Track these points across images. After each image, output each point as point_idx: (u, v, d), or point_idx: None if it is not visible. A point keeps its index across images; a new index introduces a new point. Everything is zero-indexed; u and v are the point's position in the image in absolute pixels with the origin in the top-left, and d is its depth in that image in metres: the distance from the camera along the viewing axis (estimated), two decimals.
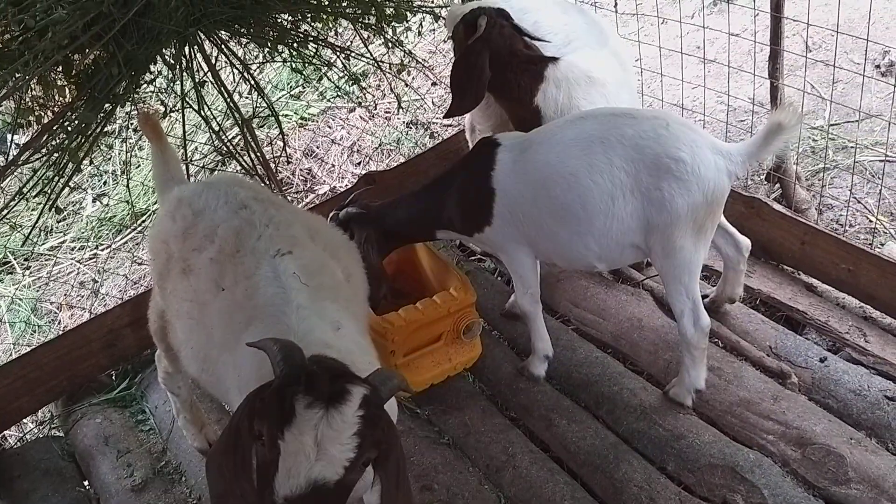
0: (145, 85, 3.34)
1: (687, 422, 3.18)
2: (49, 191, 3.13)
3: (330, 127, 5.92)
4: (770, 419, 3.11)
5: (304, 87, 5.97)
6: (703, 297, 3.68)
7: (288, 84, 6.12)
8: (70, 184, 3.29)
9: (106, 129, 3.27)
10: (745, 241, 3.39)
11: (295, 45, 3.57)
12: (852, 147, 4.22)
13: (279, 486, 1.71)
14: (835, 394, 3.21)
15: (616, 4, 4.51)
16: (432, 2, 4.17)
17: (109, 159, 5.56)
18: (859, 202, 4.08)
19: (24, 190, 3.15)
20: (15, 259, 5.16)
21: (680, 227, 2.89)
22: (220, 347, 2.32)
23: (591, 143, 2.95)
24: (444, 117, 3.48)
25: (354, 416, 1.75)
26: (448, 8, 4.02)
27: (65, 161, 3.08)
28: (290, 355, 1.83)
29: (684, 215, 2.86)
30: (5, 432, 3.81)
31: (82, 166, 3.23)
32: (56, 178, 3.11)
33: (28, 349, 3.95)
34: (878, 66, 4.84)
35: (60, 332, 4.50)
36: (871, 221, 3.98)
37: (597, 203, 2.94)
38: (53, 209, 3.18)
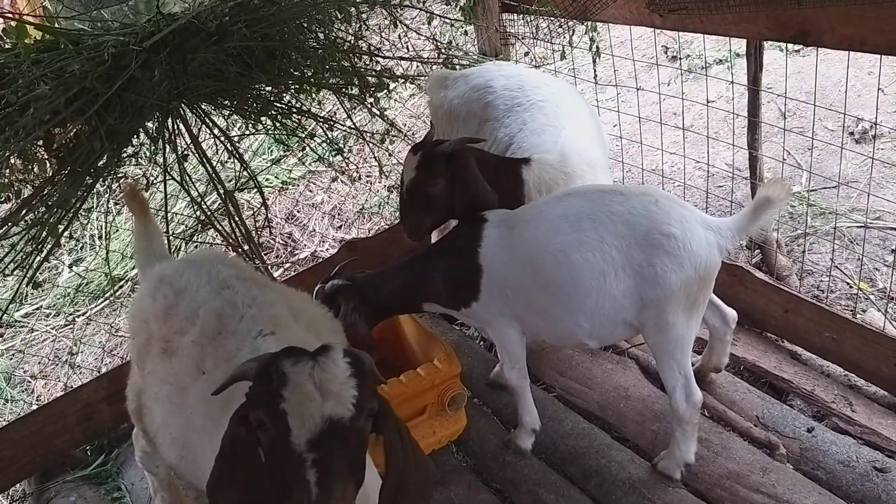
0: (127, 158, 3.32)
1: (676, 496, 3.13)
2: (27, 265, 3.08)
3: (311, 191, 5.92)
4: (760, 492, 3.07)
5: (285, 153, 5.99)
6: None
7: (269, 149, 6.14)
8: (48, 257, 3.24)
9: (86, 201, 3.22)
10: (732, 313, 3.39)
11: (278, 116, 3.58)
12: (830, 213, 4.27)
13: (297, 436, 1.72)
14: (823, 465, 3.19)
15: (595, 75, 4.58)
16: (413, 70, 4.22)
17: (86, 226, 5.50)
18: (839, 269, 4.11)
19: (1, 265, 3.10)
20: None
21: (673, 303, 2.87)
22: (200, 433, 2.26)
23: (581, 219, 2.93)
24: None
25: (343, 361, 1.80)
26: (429, 76, 4.09)
27: (44, 236, 3.04)
28: (258, 357, 1.90)
29: (677, 291, 2.85)
30: None
31: (61, 240, 3.18)
32: (34, 253, 3.06)
33: (1, 423, 3.84)
34: (852, 134, 4.93)
35: (34, 403, 4.40)
36: (851, 288, 4.00)
37: (588, 280, 2.91)
38: (31, 284, 3.12)
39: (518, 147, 3.57)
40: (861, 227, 4.28)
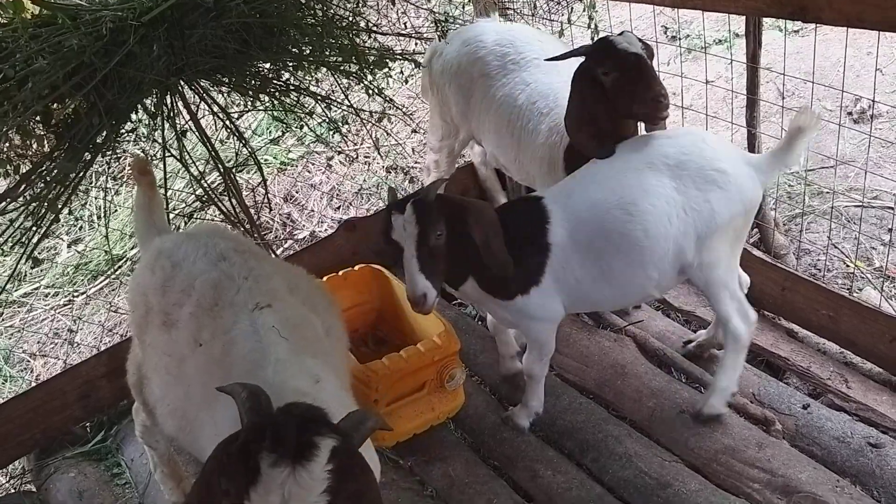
0: (126, 134, 3.31)
1: (673, 470, 3.16)
2: (26, 241, 3.08)
3: (309, 172, 5.92)
4: (755, 467, 3.10)
5: (283, 133, 5.98)
6: (688, 342, 3.70)
7: (268, 129, 6.13)
8: (47, 233, 3.24)
9: (85, 179, 3.22)
10: (745, 278, 3.43)
11: (277, 93, 3.57)
12: (828, 193, 4.28)
13: None
14: (819, 441, 3.21)
15: None
16: (412, 50, 4.21)
17: (85, 205, 5.50)
18: (836, 247, 4.12)
19: (1, 241, 3.10)
20: None
21: (724, 237, 2.98)
22: (198, 405, 2.27)
23: (639, 168, 2.97)
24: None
25: (323, 471, 1.66)
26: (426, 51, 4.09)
27: (43, 211, 3.04)
28: (257, 403, 1.77)
29: (728, 225, 2.96)
30: None
31: (60, 215, 3.18)
32: (34, 229, 3.06)
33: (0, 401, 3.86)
34: (850, 113, 4.93)
35: (33, 382, 4.41)
36: (848, 266, 4.02)
37: (658, 227, 2.93)
38: (30, 260, 3.12)
39: (532, 107, 3.61)
40: (858, 206, 4.29)
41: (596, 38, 3.79)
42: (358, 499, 1.74)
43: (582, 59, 3.24)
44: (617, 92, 3.12)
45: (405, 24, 3.85)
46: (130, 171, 2.86)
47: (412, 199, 2.89)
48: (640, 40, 3.15)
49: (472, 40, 3.90)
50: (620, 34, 3.16)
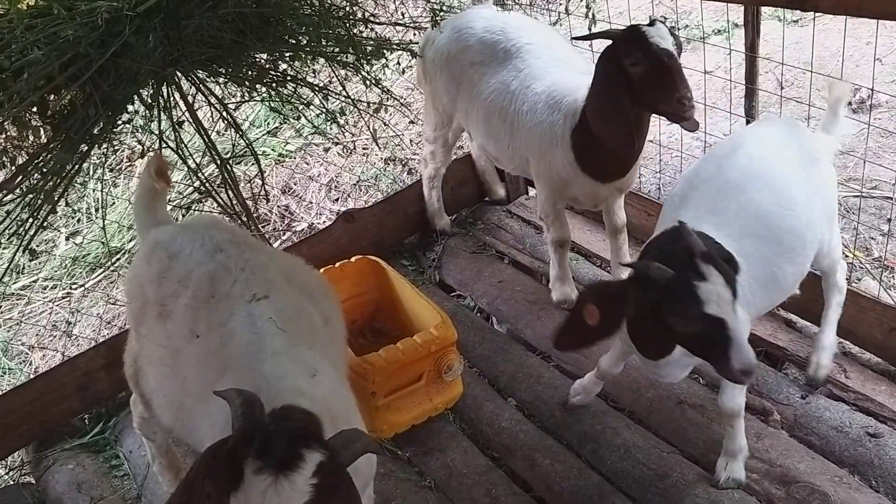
0: (122, 125, 3.30)
1: (671, 460, 3.16)
2: (23, 233, 3.07)
3: (307, 163, 5.91)
4: (754, 457, 3.09)
5: (281, 124, 5.96)
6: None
7: (265, 121, 6.11)
8: (44, 224, 3.23)
9: (82, 170, 3.21)
10: None
11: (273, 84, 3.55)
12: None
13: None
14: (817, 431, 3.21)
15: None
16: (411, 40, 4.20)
17: (83, 197, 5.49)
18: None
19: None
20: None
21: (835, 215, 3.08)
22: (195, 397, 2.27)
23: (771, 164, 2.87)
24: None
25: (306, 484, 1.63)
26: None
27: (40, 202, 3.03)
28: (250, 410, 1.75)
29: (835, 201, 3.07)
30: None
31: (57, 207, 3.17)
32: (31, 220, 3.05)
33: None
34: (849, 103, 4.91)
35: (32, 375, 4.41)
36: (846, 256, 4.00)
37: (811, 216, 2.86)
38: (28, 252, 3.12)
39: (532, 92, 3.59)
40: (857, 196, 4.28)
41: (592, 28, 3.78)
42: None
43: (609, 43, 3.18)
44: (644, 87, 3.08)
45: (403, 14, 3.83)
46: (145, 169, 2.81)
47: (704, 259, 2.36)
48: (671, 33, 3.07)
49: (462, 28, 3.89)
50: (652, 24, 3.07)
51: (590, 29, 3.76)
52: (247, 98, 3.68)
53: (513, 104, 3.66)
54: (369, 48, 3.60)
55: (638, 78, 3.08)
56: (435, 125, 4.30)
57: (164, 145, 3.41)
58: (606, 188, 3.65)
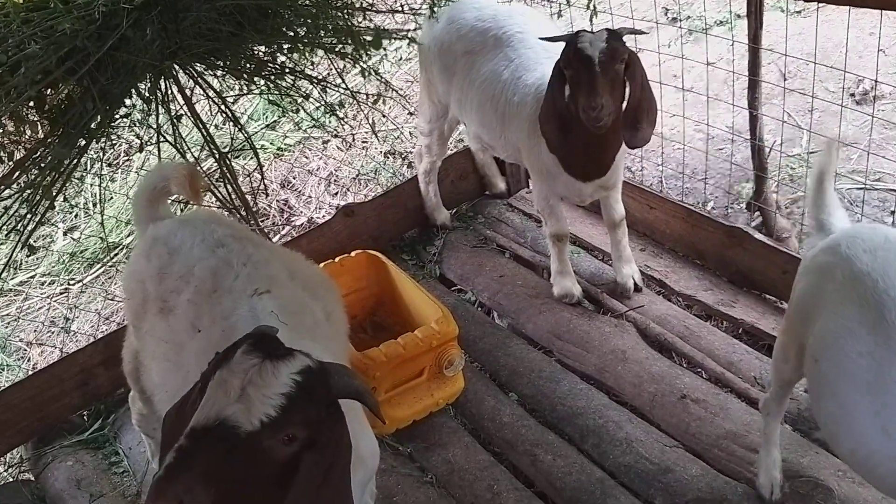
0: (120, 119, 3.28)
1: (674, 455, 3.14)
2: (21, 228, 3.05)
3: (306, 157, 5.88)
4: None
5: (280, 118, 5.93)
6: None
7: (264, 115, 6.08)
8: (42, 220, 3.21)
9: (79, 165, 3.19)
10: None
11: (272, 77, 3.53)
12: None
13: (195, 416, 1.65)
14: None
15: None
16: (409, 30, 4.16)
17: (81, 192, 5.47)
18: None
19: None
20: None
21: None
22: None
23: None
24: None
25: (289, 377, 1.68)
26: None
27: (38, 198, 3.00)
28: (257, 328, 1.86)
29: None
30: None
31: (55, 202, 3.15)
32: (29, 216, 3.03)
33: None
34: (852, 95, 4.89)
35: (30, 370, 4.40)
36: None
37: None
38: (26, 247, 3.09)
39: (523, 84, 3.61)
40: (861, 188, 4.26)
41: (593, 21, 3.76)
42: (318, 435, 1.71)
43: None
44: (571, 90, 3.22)
45: (402, 5, 3.80)
46: (181, 181, 2.74)
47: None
48: (613, 43, 3.15)
49: (456, 17, 3.89)
50: (591, 32, 3.20)
51: (591, 20, 3.74)
52: (245, 91, 3.65)
53: (504, 94, 3.68)
54: (368, 38, 3.57)
55: (568, 82, 3.23)
56: (430, 117, 4.28)
57: (163, 139, 3.39)
58: (588, 186, 3.66)
